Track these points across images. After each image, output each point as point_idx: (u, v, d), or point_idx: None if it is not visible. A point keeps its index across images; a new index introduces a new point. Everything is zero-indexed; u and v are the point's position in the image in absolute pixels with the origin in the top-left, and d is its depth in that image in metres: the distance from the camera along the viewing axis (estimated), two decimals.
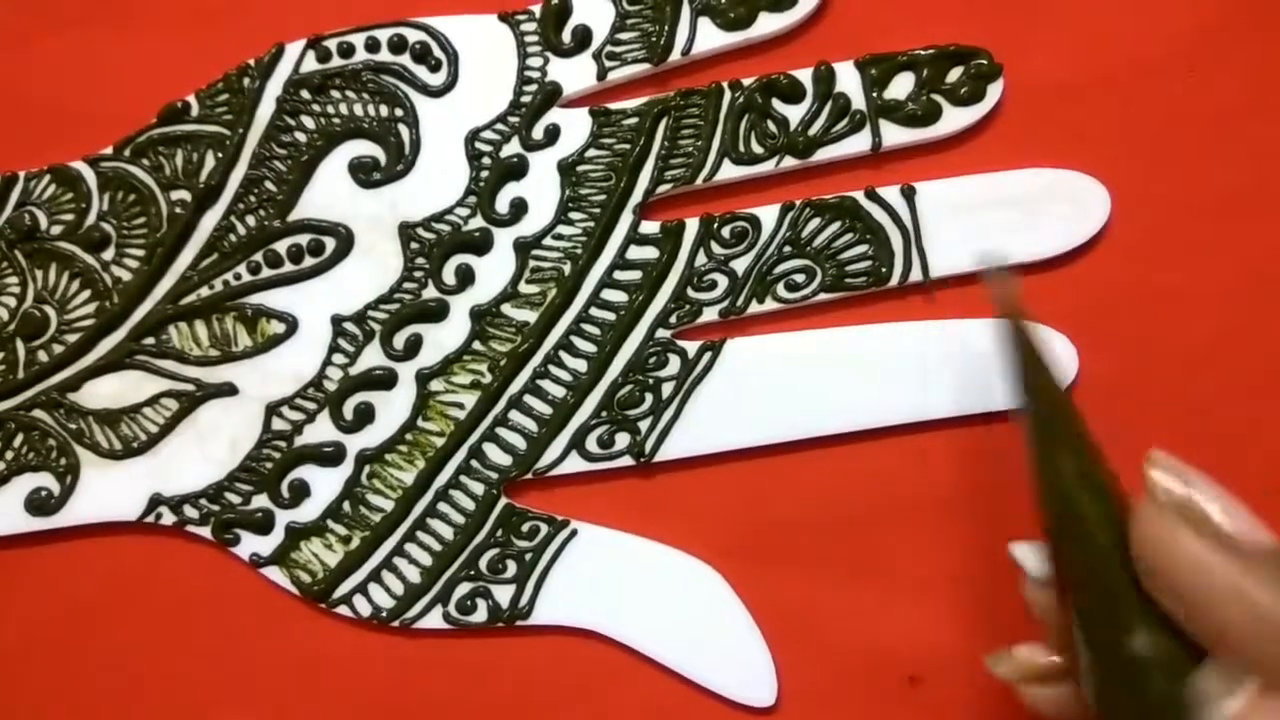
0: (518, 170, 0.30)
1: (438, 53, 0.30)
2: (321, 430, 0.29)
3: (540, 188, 0.29)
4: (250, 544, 0.29)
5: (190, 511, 0.29)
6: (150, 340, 0.29)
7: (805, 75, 0.29)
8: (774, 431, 0.28)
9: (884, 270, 0.29)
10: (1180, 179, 0.29)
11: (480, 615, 0.28)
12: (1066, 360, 0.28)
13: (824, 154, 0.29)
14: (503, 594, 0.28)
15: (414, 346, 0.29)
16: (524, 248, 0.29)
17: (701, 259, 0.29)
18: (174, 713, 0.29)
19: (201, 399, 0.29)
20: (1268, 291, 0.29)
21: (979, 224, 0.29)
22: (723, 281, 0.29)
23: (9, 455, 0.29)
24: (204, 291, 0.30)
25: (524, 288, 0.29)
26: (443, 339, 0.29)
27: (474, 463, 0.29)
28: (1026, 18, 0.30)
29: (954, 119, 0.29)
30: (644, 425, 0.29)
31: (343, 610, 0.29)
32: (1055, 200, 0.29)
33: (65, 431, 0.29)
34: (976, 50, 0.29)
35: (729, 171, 0.29)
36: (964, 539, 0.28)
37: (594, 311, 0.29)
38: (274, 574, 0.29)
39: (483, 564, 0.28)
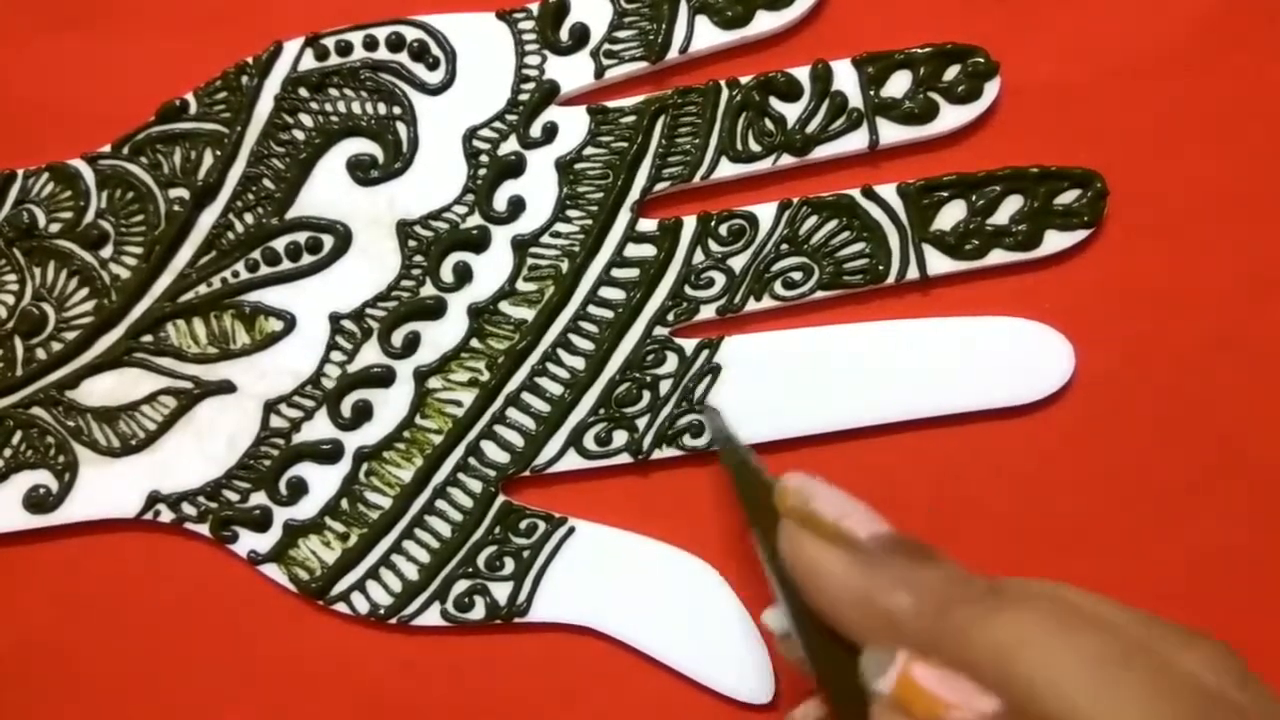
0: (515, 168, 0.30)
1: (435, 51, 0.30)
2: (319, 428, 0.29)
3: (538, 185, 0.30)
4: (248, 541, 0.29)
5: (188, 509, 0.29)
6: (148, 338, 0.30)
7: (803, 73, 0.29)
8: (770, 429, 0.28)
9: (881, 268, 0.29)
10: (1178, 177, 0.29)
11: (478, 612, 0.28)
12: (1064, 358, 0.28)
13: (821, 152, 0.29)
14: (500, 591, 0.28)
15: (412, 344, 0.29)
16: (522, 245, 0.29)
17: (699, 257, 0.29)
18: (172, 709, 0.29)
19: (200, 396, 0.29)
20: (1266, 290, 0.29)
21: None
22: (720, 279, 0.29)
23: (7, 453, 0.29)
24: (202, 289, 0.30)
25: (522, 285, 0.29)
26: (441, 337, 0.29)
27: (472, 460, 0.29)
28: (1023, 16, 0.30)
29: (951, 117, 0.29)
30: (641, 423, 0.29)
31: (340, 607, 0.29)
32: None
33: (63, 429, 0.29)
34: (973, 48, 0.29)
35: (726, 169, 0.29)
36: (960, 536, 0.28)
37: (591, 309, 0.29)
38: (272, 571, 0.29)
39: (480, 561, 0.28)
